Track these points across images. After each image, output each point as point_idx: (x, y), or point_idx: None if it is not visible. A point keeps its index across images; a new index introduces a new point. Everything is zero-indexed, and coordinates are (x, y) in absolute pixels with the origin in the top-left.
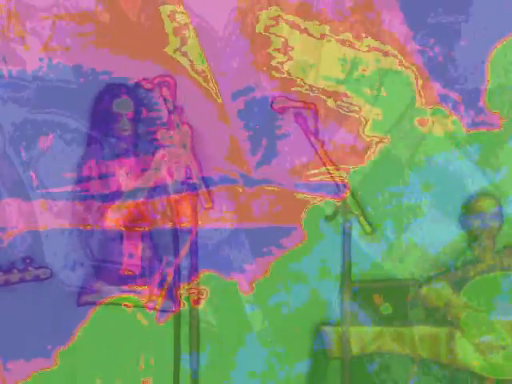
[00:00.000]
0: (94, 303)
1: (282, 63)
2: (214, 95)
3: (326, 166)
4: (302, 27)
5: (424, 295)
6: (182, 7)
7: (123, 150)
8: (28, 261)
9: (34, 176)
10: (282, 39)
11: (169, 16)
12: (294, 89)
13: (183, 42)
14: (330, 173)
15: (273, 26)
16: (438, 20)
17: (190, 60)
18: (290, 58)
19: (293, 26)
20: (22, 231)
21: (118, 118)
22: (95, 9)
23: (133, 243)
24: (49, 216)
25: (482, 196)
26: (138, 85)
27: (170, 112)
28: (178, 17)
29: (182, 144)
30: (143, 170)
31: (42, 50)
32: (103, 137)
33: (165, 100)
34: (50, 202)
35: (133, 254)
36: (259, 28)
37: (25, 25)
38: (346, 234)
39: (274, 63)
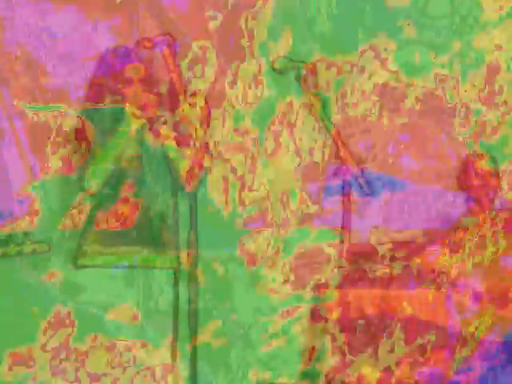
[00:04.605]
0: None
1: None
2: None
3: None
4: None
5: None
6: None
7: None
8: (26, 234)
9: None
10: None
11: None
12: None
13: None
14: None
15: None
16: None
17: None
18: None
19: None
20: None
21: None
22: None
23: None
24: None
25: (477, 154)
26: (138, 44)
27: (170, 72)
28: None
29: None
30: None
31: None
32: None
33: (165, 59)
34: None
35: None
36: None
37: None
38: None
39: None
